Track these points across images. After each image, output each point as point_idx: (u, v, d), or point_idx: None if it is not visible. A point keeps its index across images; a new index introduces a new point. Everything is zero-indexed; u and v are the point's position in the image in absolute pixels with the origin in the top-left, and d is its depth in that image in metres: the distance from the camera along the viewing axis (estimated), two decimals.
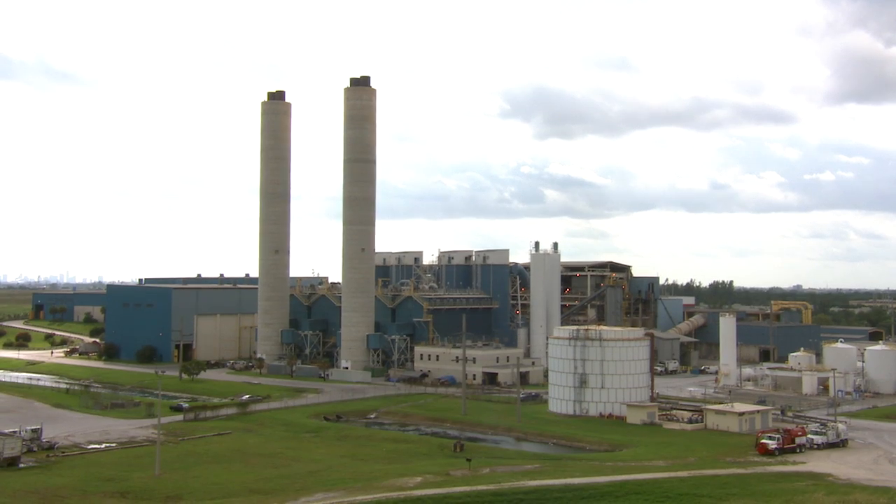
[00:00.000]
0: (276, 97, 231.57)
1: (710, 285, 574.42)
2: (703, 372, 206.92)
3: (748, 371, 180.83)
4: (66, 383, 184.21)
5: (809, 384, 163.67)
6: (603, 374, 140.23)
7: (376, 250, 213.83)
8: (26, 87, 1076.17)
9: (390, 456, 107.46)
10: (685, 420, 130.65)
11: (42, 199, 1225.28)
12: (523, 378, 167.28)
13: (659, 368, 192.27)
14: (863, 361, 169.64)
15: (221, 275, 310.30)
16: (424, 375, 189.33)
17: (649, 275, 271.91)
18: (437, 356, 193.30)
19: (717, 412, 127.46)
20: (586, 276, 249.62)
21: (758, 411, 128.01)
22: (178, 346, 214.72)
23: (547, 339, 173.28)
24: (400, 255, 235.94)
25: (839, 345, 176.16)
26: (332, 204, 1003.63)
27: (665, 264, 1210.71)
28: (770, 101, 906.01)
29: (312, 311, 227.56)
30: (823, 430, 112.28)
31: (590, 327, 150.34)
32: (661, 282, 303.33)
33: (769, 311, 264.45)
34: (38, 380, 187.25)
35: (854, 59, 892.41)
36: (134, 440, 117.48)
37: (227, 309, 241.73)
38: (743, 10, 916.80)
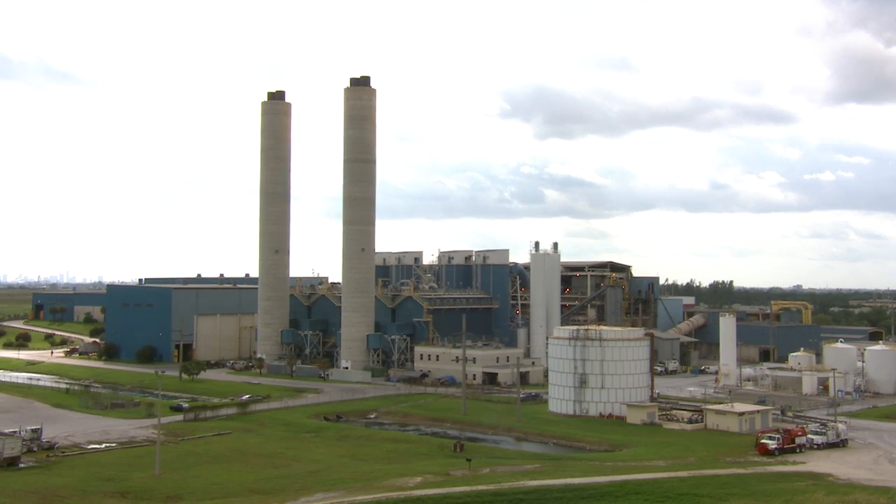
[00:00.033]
0: (276, 97, 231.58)
1: (710, 285, 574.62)
2: (703, 372, 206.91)
3: (748, 371, 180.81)
4: (66, 383, 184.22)
5: (809, 384, 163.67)
6: (603, 374, 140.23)
7: (376, 250, 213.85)
8: (26, 87, 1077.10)
9: (390, 456, 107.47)
10: (685, 420, 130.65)
11: (42, 199, 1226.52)
12: (523, 378, 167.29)
13: (659, 368, 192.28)
14: (863, 361, 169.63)
15: (221, 275, 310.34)
16: (424, 375, 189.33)
17: (649, 275, 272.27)
18: (437, 356, 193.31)
19: (717, 412, 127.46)
20: (586, 276, 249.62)
21: (758, 411, 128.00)
22: (178, 346, 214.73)
23: (547, 339, 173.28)
24: (400, 255, 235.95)
25: (839, 345, 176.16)
26: (332, 204, 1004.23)
27: (665, 264, 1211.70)
28: (770, 101, 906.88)
29: (312, 311, 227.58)
30: (823, 430, 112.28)
31: (590, 327, 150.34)
32: (661, 282, 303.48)
33: (769, 311, 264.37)
34: (38, 380, 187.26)
35: (854, 59, 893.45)
36: (134, 440, 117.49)
37: (227, 309, 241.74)
38: (743, 10, 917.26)
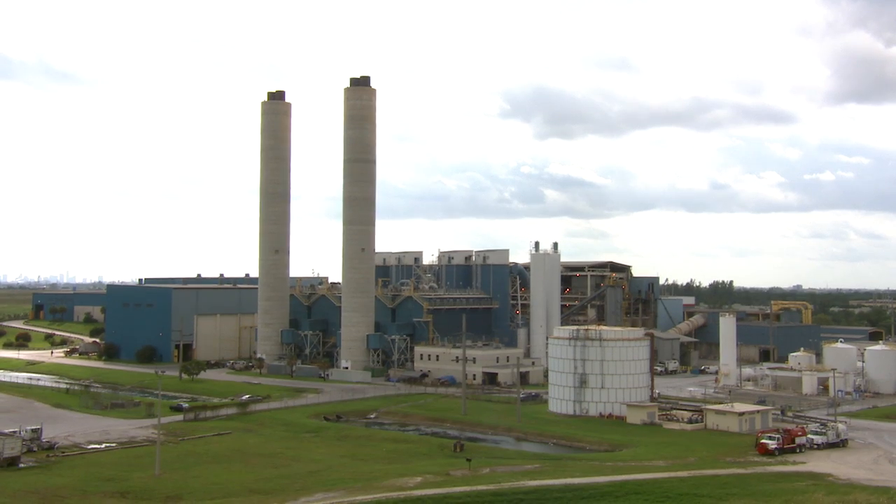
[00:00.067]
0: (276, 97, 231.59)
1: (710, 285, 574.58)
2: (703, 372, 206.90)
3: (748, 371, 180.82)
4: (66, 383, 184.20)
5: (809, 384, 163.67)
6: (603, 374, 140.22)
7: (376, 250, 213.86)
8: (26, 87, 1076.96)
9: (390, 456, 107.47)
10: (685, 420, 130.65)
11: (42, 199, 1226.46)
12: (523, 378, 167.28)
13: (659, 368, 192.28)
14: (863, 361, 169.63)
15: (221, 275, 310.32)
16: (424, 375, 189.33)
17: (649, 275, 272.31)
18: (437, 356, 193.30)
19: (717, 412, 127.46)
20: (586, 276, 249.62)
21: (758, 411, 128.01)
22: (178, 346, 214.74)
23: (547, 339, 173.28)
24: (400, 255, 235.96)
25: (839, 345, 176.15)
26: (332, 204, 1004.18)
27: (665, 264, 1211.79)
28: (770, 101, 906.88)
29: (312, 311, 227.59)
30: (823, 430, 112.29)
31: (590, 327, 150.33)
32: (661, 282, 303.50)
33: (769, 311, 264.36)
34: (38, 380, 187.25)
35: (854, 59, 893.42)
36: (134, 440, 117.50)
37: (227, 309, 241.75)
38: (743, 10, 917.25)
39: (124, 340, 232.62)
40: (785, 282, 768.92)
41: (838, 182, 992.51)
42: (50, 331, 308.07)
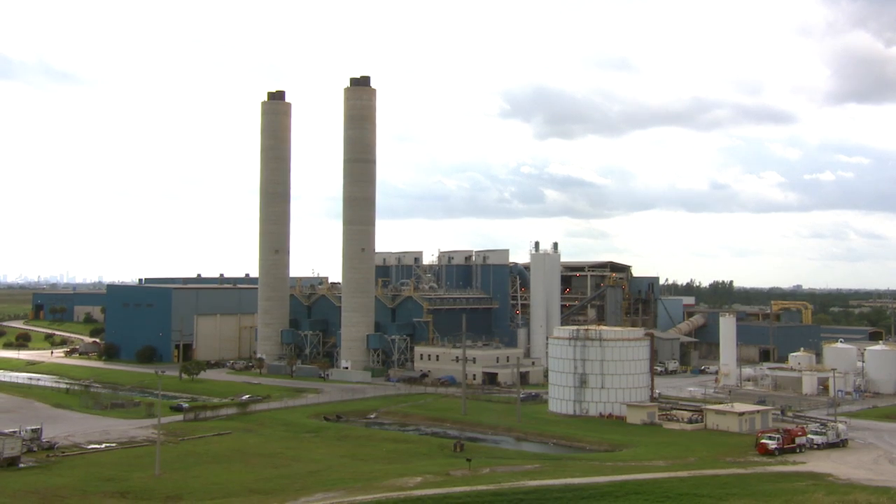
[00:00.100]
0: (276, 97, 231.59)
1: (710, 285, 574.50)
2: (703, 372, 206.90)
3: (748, 371, 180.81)
4: (66, 383, 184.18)
5: (809, 384, 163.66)
6: (603, 374, 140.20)
7: (376, 250, 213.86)
8: (26, 87, 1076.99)
9: (390, 456, 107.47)
10: (685, 420, 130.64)
11: (42, 199, 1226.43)
12: (523, 378, 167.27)
13: (659, 368, 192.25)
14: (863, 361, 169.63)
15: (221, 275, 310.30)
16: (424, 375, 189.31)
17: (649, 275, 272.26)
18: (437, 356, 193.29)
19: (717, 412, 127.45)
20: (586, 276, 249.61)
21: (758, 411, 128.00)
22: (178, 346, 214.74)
23: (547, 339, 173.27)
24: (400, 255, 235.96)
25: (839, 345, 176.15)
26: (332, 204, 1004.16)
27: (665, 264, 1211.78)
28: (770, 101, 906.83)
29: (312, 311, 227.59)
30: (823, 430, 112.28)
31: (590, 327, 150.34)
32: (661, 282, 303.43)
33: (769, 311, 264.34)
34: (38, 380, 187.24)
35: (854, 59, 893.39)
36: (134, 440, 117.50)
37: (227, 309, 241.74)
38: (743, 10, 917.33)
39: (124, 340, 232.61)
40: (785, 282, 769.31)
41: (838, 182, 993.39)
42: (50, 331, 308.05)
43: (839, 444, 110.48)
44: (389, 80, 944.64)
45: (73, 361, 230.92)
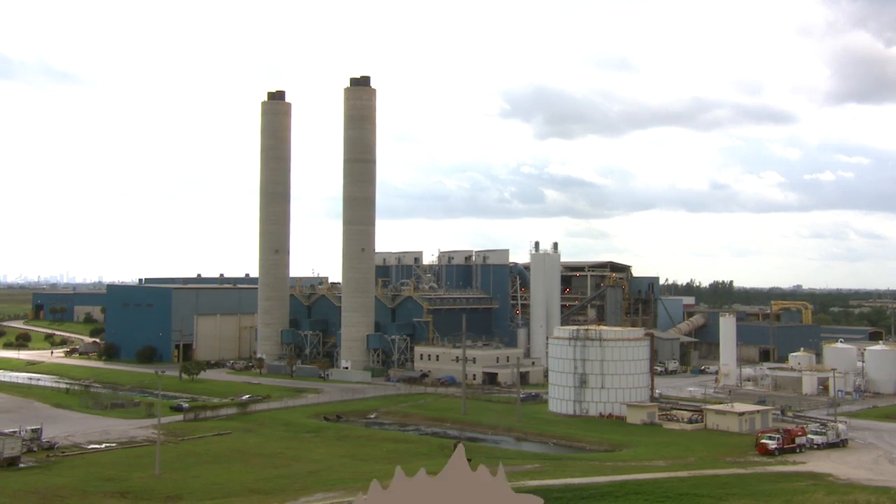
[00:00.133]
0: (276, 97, 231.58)
1: (710, 285, 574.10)
2: (703, 372, 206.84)
3: (748, 371, 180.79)
4: (66, 383, 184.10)
5: (809, 384, 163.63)
6: (603, 374, 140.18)
7: (376, 250, 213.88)
8: (26, 87, 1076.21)
9: (390, 456, 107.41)
10: (685, 420, 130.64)
11: (42, 199, 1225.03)
12: (523, 378, 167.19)
13: (659, 368, 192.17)
14: (863, 361, 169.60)
15: (221, 275, 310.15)
16: (424, 375, 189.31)
17: (649, 275, 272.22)
18: (437, 356, 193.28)
19: (717, 412, 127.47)
20: (586, 276, 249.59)
21: (758, 411, 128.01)
22: (178, 346, 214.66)
23: (547, 339, 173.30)
24: (400, 255, 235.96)
25: (839, 345, 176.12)
26: (332, 204, 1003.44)
27: (665, 264, 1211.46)
28: (770, 101, 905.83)
29: (312, 311, 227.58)
30: (823, 430, 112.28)
31: (590, 327, 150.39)
32: (661, 282, 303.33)
33: (769, 311, 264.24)
34: (38, 380, 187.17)
35: (854, 59, 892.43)
36: (134, 440, 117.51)
37: (227, 309, 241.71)
38: (743, 10, 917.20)
39: (124, 340, 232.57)
40: (785, 282, 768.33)
41: (838, 182, 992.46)
42: (50, 331, 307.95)
43: (839, 444, 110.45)
44: (389, 80, 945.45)
45: (73, 361, 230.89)
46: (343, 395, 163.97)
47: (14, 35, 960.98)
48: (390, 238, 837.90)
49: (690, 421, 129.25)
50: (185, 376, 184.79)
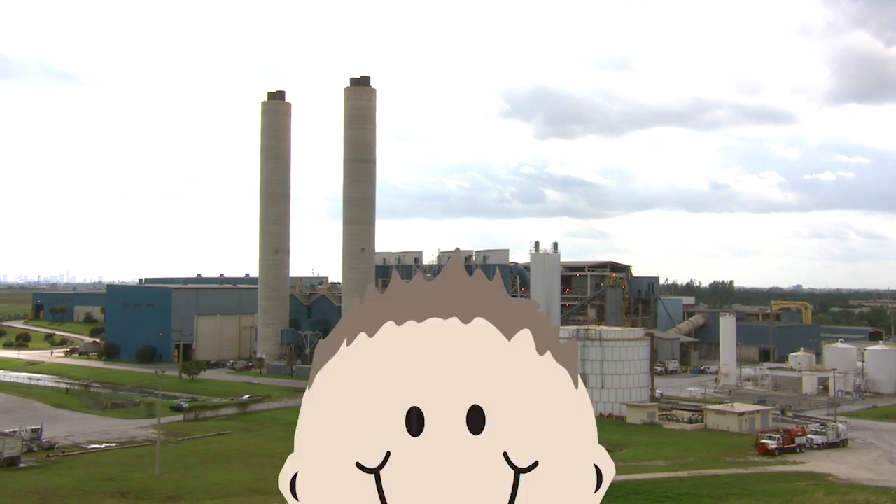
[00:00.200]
0: (276, 97, 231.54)
1: (710, 285, 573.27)
2: (703, 372, 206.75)
3: (748, 371, 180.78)
4: (66, 383, 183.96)
5: (809, 384, 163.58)
6: (603, 374, 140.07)
7: (376, 250, 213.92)
8: (26, 87, 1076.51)
9: None
10: (685, 420, 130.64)
11: (42, 199, 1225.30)
12: None
13: (659, 368, 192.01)
14: (863, 361, 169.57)
15: (221, 275, 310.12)
16: None
17: (649, 275, 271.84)
18: None
19: (717, 412, 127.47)
20: (586, 276, 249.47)
21: (758, 411, 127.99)
22: (178, 346, 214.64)
23: None
24: (400, 255, 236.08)
25: (839, 345, 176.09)
26: (332, 204, 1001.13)
27: (665, 264, 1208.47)
28: (770, 101, 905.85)
29: (312, 311, 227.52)
30: (823, 430, 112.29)
31: (590, 327, 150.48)
32: (661, 282, 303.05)
33: (769, 311, 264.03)
34: (38, 380, 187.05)
35: (854, 59, 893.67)
36: (134, 440, 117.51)
37: (227, 309, 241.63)
38: (743, 10, 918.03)
39: (124, 340, 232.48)
40: (785, 282, 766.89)
41: (838, 182, 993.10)
42: (50, 331, 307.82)
43: (839, 444, 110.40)
44: (389, 80, 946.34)
45: (73, 361, 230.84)
46: None
47: (14, 35, 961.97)
48: (390, 238, 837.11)
49: (690, 421, 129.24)
50: (185, 376, 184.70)
